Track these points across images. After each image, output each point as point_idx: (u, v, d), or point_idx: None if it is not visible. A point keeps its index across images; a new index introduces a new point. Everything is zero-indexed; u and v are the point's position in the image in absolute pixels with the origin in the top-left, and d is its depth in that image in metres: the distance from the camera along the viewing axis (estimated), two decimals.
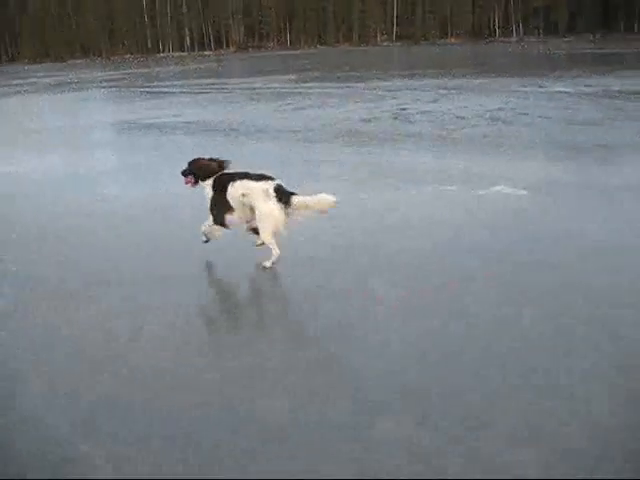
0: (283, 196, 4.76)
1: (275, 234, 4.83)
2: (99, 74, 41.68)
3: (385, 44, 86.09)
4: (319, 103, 15.64)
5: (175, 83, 26.99)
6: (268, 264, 4.88)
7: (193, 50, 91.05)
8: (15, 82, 36.24)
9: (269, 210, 4.76)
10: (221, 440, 2.76)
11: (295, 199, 4.75)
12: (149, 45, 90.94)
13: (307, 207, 4.76)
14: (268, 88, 21.09)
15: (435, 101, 14.74)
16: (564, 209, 5.98)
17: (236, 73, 35.22)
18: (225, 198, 4.97)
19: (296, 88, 20.56)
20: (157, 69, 43.75)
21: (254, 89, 21.00)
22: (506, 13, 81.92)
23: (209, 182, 5.07)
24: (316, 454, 2.65)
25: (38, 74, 46.48)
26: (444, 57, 42.15)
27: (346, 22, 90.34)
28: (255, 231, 5.01)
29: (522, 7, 79.76)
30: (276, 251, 4.87)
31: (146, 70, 42.83)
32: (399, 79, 22.22)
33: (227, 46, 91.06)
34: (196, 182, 5.17)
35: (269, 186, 4.78)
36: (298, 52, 74.24)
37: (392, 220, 5.86)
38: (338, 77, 25.06)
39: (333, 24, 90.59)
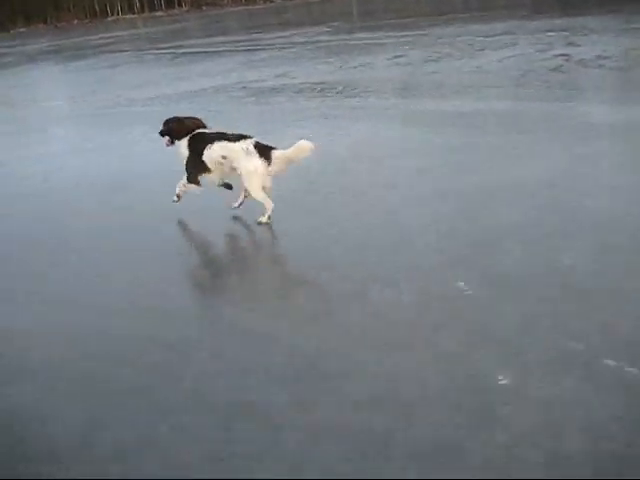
0: (263, 151, 4.85)
1: (263, 189, 4.92)
2: (78, 39, 39.11)
3: None
4: (419, 54, 14.24)
5: (197, 42, 25.15)
6: (264, 219, 4.97)
7: (143, 12, 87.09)
8: None
9: (253, 167, 4.85)
10: None
11: (275, 153, 4.86)
12: (97, 9, 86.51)
13: (288, 159, 4.87)
14: (323, 42, 19.50)
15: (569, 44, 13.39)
16: None
17: (246, 28, 33.20)
18: (201, 159, 5.04)
19: (352, 40, 19.15)
20: (141, 30, 41.18)
21: (311, 43, 19.38)
22: None
23: (184, 142, 5.13)
24: None
25: (3, 43, 43.45)
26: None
27: None
28: (227, 185, 5.26)
29: None
30: (269, 204, 4.94)
31: (128, 33, 40.31)
32: (449, 25, 20.85)
33: (179, 5, 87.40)
34: (172, 142, 5.24)
35: (248, 144, 4.86)
36: (262, 7, 71.82)
37: None
38: (379, 26, 23.61)
39: None
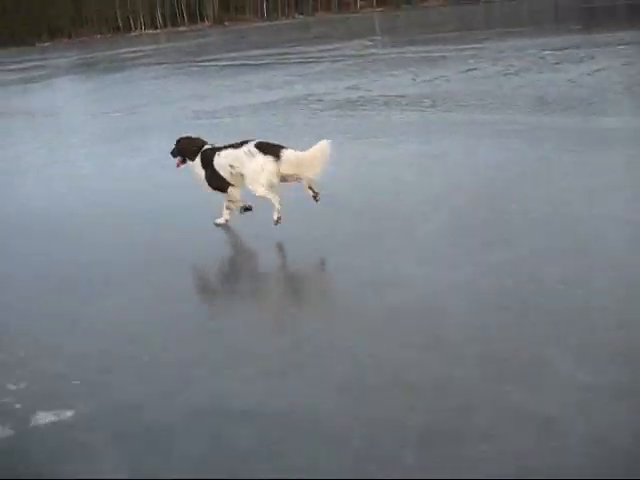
0: (268, 149, 4.59)
1: (271, 187, 4.60)
2: (108, 53, 38.80)
3: (366, 11, 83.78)
4: (491, 67, 13.48)
5: (238, 55, 24.54)
6: (275, 217, 4.63)
7: (165, 27, 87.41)
8: (23, 66, 33.31)
9: (256, 165, 4.59)
10: None
11: (285, 152, 4.54)
12: (120, 24, 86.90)
13: (299, 161, 4.48)
14: (377, 55, 18.87)
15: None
16: None
17: (280, 42, 32.64)
18: (216, 171, 4.89)
19: (406, 53, 18.58)
20: (169, 44, 40.83)
21: (362, 55, 18.75)
22: None
23: (197, 161, 5.01)
24: None
25: (33, 57, 43.25)
26: (474, 19, 40.40)
27: None
28: (247, 208, 5.00)
29: None
30: (276, 200, 4.61)
31: (157, 46, 39.98)
32: (502, 40, 20.19)
33: (201, 21, 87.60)
34: (183, 161, 5.12)
35: (249, 146, 4.66)
36: (285, 22, 71.72)
37: None
38: (424, 40, 23.02)
39: None
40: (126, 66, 25.82)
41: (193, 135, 5.26)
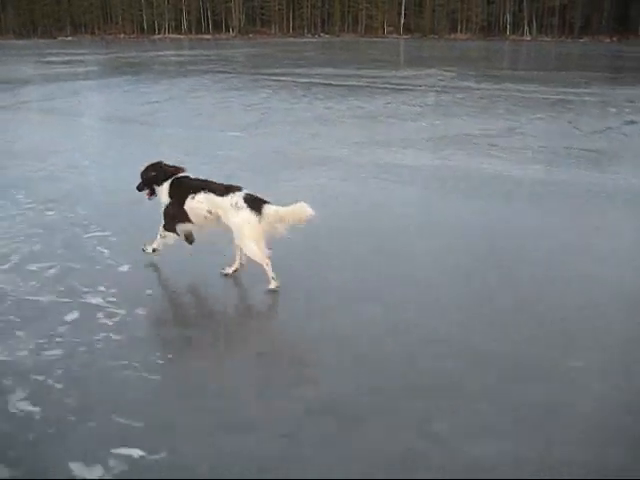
0: (255, 204, 4.39)
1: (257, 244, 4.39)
2: (146, 54, 37.26)
3: (392, 37, 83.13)
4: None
5: (309, 72, 23.14)
6: (273, 286, 4.43)
7: (190, 32, 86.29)
8: (60, 59, 31.73)
9: (243, 220, 4.37)
10: None
11: (267, 208, 4.37)
12: (145, 25, 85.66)
13: (280, 218, 4.33)
14: (479, 89, 17.57)
15: None
16: None
17: (339, 61, 31.38)
18: (182, 209, 4.63)
19: (509, 90, 17.37)
20: (210, 51, 39.34)
21: (462, 90, 17.41)
22: (519, 10, 79.74)
23: (165, 186, 4.75)
24: None
25: (66, 50, 41.65)
26: (534, 56, 39.49)
27: (352, 11, 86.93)
28: (189, 239, 4.87)
29: (536, 4, 77.73)
30: (266, 262, 4.41)
31: (196, 52, 38.43)
32: (594, 85, 19.16)
33: (226, 30, 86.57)
34: (152, 193, 4.88)
35: (238, 198, 4.41)
36: (310, 40, 70.65)
37: None
38: (507, 77, 21.87)
39: (339, 13, 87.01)
40: (185, 71, 24.30)
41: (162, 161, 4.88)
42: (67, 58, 35.01)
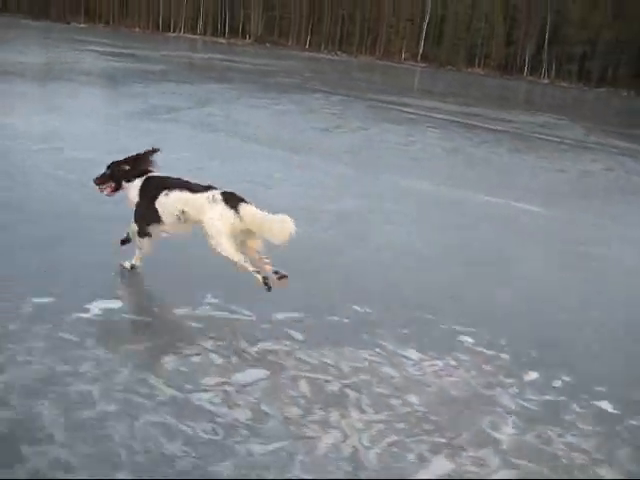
0: (232, 201, 4.05)
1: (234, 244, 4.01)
2: (194, 55, 35.17)
3: (409, 63, 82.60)
4: None
5: (392, 99, 21.68)
6: (260, 280, 4.04)
7: (205, 34, 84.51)
8: (103, 49, 29.48)
9: (218, 214, 4.02)
10: None
11: (245, 207, 4.03)
12: (160, 21, 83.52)
13: (256, 223, 3.98)
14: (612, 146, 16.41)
15: None
16: None
17: (402, 89, 29.99)
18: (153, 206, 4.27)
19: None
20: (259, 60, 37.41)
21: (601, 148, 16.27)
22: (539, 52, 80.00)
23: (137, 183, 4.38)
24: None
25: (89, 39, 39.21)
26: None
27: (372, 34, 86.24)
28: (126, 240, 4.60)
29: (557, 49, 78.03)
30: (239, 259, 4.04)
31: (245, 59, 36.38)
32: None
33: (243, 37, 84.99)
34: (117, 188, 4.51)
35: (214, 192, 4.12)
36: (325, 56, 69.38)
37: None
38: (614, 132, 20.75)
39: (358, 34, 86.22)
40: (286, 86, 22.59)
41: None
42: (110, 49, 32.99)
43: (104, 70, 21.51)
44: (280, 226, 3.85)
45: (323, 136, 12.66)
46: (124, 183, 4.44)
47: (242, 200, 4.07)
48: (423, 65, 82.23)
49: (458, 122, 17.38)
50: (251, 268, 4.04)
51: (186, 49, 46.49)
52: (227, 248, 4.00)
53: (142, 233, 4.40)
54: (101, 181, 4.51)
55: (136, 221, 4.41)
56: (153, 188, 4.29)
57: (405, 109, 19.19)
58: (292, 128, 13.07)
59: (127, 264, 4.57)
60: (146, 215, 4.31)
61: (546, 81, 77.94)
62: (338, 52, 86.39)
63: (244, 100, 17.11)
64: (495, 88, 45.05)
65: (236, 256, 4.02)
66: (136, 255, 4.53)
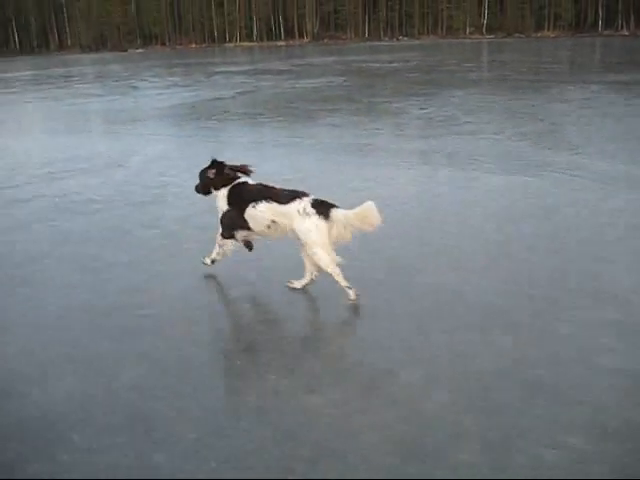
0: (323, 209, 4.11)
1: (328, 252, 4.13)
2: (342, 58, 32.52)
3: (475, 37, 78.75)
4: None
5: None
6: (352, 296, 4.13)
7: (262, 40, 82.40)
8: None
9: (313, 226, 4.08)
10: None
11: (335, 212, 4.10)
12: (215, 34, 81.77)
13: (348, 222, 4.07)
14: None
15: None
16: None
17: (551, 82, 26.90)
18: (242, 217, 4.37)
19: None
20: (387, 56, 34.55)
21: None
22: (610, 2, 74.93)
23: (224, 192, 4.47)
24: None
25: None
26: None
27: (432, 12, 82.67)
28: (248, 245, 4.67)
29: None
30: (338, 275, 4.13)
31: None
32: None
33: (299, 36, 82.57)
34: (208, 193, 4.62)
35: (305, 204, 4.12)
36: (386, 44, 65.93)
37: None
38: None
39: (418, 14, 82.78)
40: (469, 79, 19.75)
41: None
42: (246, 68, 30.79)
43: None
44: (370, 213, 3.91)
45: None
46: (213, 191, 4.51)
47: (332, 206, 4.10)
48: (490, 37, 78.37)
49: None
50: (344, 283, 4.12)
51: (287, 57, 44.13)
52: (324, 259, 4.09)
53: (227, 236, 4.53)
54: (201, 191, 4.62)
55: (223, 227, 4.50)
56: (241, 199, 4.32)
57: None
58: None
59: (207, 260, 4.70)
60: (235, 223, 4.40)
61: (626, 33, 73.07)
62: (399, 37, 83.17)
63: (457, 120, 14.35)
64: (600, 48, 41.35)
65: (331, 267, 4.11)
66: (215, 251, 4.62)
